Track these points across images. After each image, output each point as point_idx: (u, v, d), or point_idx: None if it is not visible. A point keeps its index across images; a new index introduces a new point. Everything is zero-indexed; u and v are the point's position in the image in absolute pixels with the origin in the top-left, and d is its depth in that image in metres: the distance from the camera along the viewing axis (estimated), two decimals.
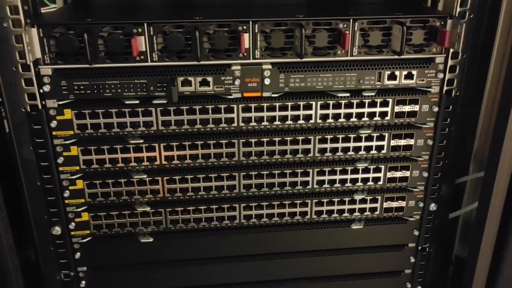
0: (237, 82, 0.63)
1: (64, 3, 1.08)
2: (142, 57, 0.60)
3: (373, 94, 0.66)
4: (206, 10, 0.66)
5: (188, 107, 0.64)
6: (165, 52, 0.61)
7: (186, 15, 0.62)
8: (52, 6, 1.12)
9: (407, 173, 0.72)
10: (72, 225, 0.67)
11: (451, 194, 0.77)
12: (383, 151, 0.70)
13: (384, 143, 0.69)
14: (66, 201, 0.66)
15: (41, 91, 0.60)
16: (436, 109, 0.68)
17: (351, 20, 0.61)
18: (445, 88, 0.67)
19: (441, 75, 0.66)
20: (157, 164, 0.66)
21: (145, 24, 0.59)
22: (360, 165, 0.70)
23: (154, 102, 0.62)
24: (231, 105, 0.64)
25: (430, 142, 0.70)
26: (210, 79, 0.63)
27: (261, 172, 0.69)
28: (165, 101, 0.62)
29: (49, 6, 1.12)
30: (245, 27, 0.60)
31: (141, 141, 0.64)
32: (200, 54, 0.60)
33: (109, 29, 0.59)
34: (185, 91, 0.63)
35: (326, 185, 0.71)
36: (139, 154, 0.65)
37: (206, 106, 0.64)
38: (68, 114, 0.62)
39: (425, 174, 0.72)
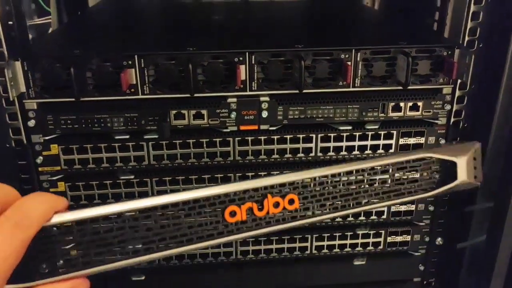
0: (233, 115, 0.60)
1: (58, 12, 1.07)
2: (132, 90, 0.57)
3: (376, 126, 0.62)
4: (201, 39, 0.63)
5: (181, 141, 0.60)
6: (157, 85, 0.57)
7: (179, 45, 0.58)
8: (45, 18, 1.10)
9: (412, 207, 0.68)
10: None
11: (458, 225, 0.74)
12: (386, 185, 0.66)
13: (387, 176, 0.66)
14: None
15: (26, 126, 0.57)
16: (443, 141, 0.64)
17: (353, 50, 0.58)
18: (452, 119, 0.64)
19: (448, 107, 0.62)
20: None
21: (136, 56, 0.56)
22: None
23: (146, 137, 0.59)
24: (227, 139, 0.61)
25: (436, 176, 0.66)
26: (204, 112, 0.59)
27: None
28: (157, 136, 0.59)
29: (43, 18, 1.10)
30: (241, 58, 0.57)
31: (132, 176, 0.61)
32: (194, 86, 0.57)
33: (98, 61, 0.56)
34: (178, 125, 0.59)
35: (327, 221, 0.67)
36: (130, 189, 0.62)
37: (201, 140, 0.61)
38: (55, 149, 0.58)
39: (431, 208, 0.69)
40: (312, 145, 0.63)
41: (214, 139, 0.61)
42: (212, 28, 0.71)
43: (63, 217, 0.35)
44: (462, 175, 0.47)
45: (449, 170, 0.47)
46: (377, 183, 0.45)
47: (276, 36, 0.66)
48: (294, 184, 0.41)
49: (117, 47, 0.60)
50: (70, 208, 0.36)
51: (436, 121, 0.63)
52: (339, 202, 0.43)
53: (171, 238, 0.38)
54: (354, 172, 0.44)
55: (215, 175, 0.63)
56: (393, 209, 0.68)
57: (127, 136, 0.59)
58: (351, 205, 0.44)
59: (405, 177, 0.46)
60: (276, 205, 0.41)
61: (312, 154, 0.63)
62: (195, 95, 0.57)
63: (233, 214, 0.39)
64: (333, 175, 0.43)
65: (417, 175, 0.47)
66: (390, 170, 0.46)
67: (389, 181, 0.46)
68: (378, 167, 0.45)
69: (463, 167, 0.47)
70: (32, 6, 1.15)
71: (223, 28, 0.71)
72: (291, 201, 0.41)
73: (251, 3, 1.00)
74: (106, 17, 0.82)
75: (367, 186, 0.45)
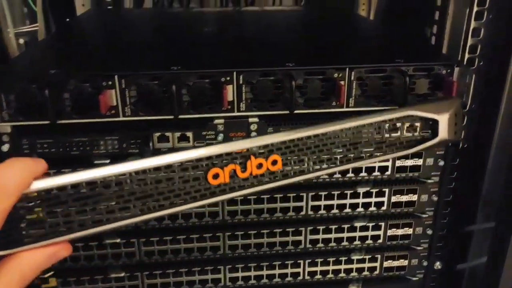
0: (220, 137, 0.57)
1: (45, 20, 1.04)
2: (113, 111, 0.54)
3: (372, 149, 0.59)
4: (186, 56, 0.60)
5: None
6: (139, 106, 0.54)
7: (163, 64, 0.55)
8: (32, 26, 1.07)
9: (410, 231, 0.65)
10: None
11: (457, 246, 0.71)
12: (383, 208, 0.63)
13: (384, 199, 0.63)
14: None
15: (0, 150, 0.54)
16: (441, 162, 0.61)
17: (347, 69, 0.55)
18: None
19: None
20: (133, 226, 0.59)
21: (116, 77, 0.52)
22: (358, 223, 0.64)
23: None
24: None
25: (435, 198, 0.63)
26: (189, 134, 0.56)
27: (248, 232, 0.62)
28: None
29: (32, 25, 1.07)
30: (228, 78, 0.54)
31: (114, 202, 0.58)
32: (178, 107, 0.53)
33: (76, 81, 0.52)
34: (162, 148, 0.56)
35: (320, 244, 0.64)
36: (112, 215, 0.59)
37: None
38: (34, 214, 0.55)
39: (429, 231, 0.65)
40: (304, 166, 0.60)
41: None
42: (199, 43, 0.67)
43: (43, 183, 0.34)
44: (443, 132, 0.48)
45: (430, 127, 0.48)
46: (361, 142, 0.46)
47: (266, 52, 0.63)
48: (277, 145, 0.41)
49: (97, 66, 0.57)
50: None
51: None
52: (322, 162, 0.44)
53: (153, 201, 0.38)
54: (337, 131, 0.44)
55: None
56: (389, 233, 0.65)
57: (108, 161, 0.56)
58: (334, 164, 0.45)
59: (387, 135, 0.47)
60: (259, 166, 0.41)
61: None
62: (180, 116, 0.54)
63: (216, 176, 0.39)
64: (316, 136, 0.43)
65: (398, 133, 0.47)
66: (373, 129, 0.46)
67: (372, 139, 0.46)
68: (362, 126, 0.45)
69: (444, 124, 0.48)
70: (24, 10, 1.13)
71: (210, 44, 0.67)
72: (274, 162, 0.41)
73: (242, 13, 0.97)
74: (89, 31, 0.78)
75: (350, 145, 0.45)
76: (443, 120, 0.48)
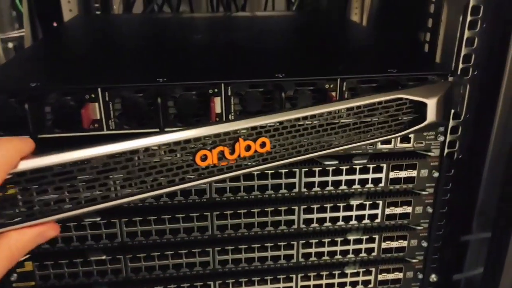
0: None
1: (32, 27, 1.02)
2: (96, 125, 0.52)
3: (365, 161, 0.58)
4: (173, 67, 0.58)
5: None
6: (124, 119, 0.52)
7: (148, 75, 0.53)
8: (19, 31, 1.05)
9: (404, 243, 0.64)
10: None
11: (453, 256, 0.69)
12: (377, 221, 0.62)
13: (378, 211, 0.61)
14: None
15: None
16: (436, 174, 0.60)
17: (339, 79, 0.53)
18: (446, 150, 0.60)
19: (441, 138, 0.58)
20: (118, 241, 0.58)
21: (99, 90, 0.50)
22: (352, 237, 0.62)
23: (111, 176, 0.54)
24: None
25: (430, 210, 0.62)
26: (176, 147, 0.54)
27: (239, 247, 0.61)
28: None
29: (17, 31, 1.05)
30: (216, 90, 0.52)
31: (98, 218, 0.56)
32: (164, 120, 0.51)
33: (57, 95, 0.50)
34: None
35: (313, 258, 0.62)
36: (96, 231, 0.57)
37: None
38: (11, 191, 0.53)
39: (425, 244, 0.64)
40: (296, 180, 0.58)
41: None
42: (186, 53, 0.65)
43: (30, 163, 0.34)
44: (431, 116, 0.47)
45: (419, 110, 0.48)
46: (350, 124, 0.45)
47: (256, 62, 0.61)
48: (266, 127, 0.41)
49: (80, 78, 0.55)
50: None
51: (428, 153, 0.59)
52: (312, 144, 0.44)
53: (141, 183, 0.38)
54: (327, 114, 0.44)
55: (190, 214, 0.58)
56: (384, 246, 0.63)
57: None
58: (323, 147, 0.45)
59: (376, 118, 0.46)
60: (248, 148, 0.41)
61: (296, 190, 0.59)
62: (166, 129, 0.52)
63: (204, 158, 0.39)
64: (305, 118, 0.43)
65: (387, 116, 0.46)
66: (363, 112, 0.45)
67: (361, 122, 0.46)
68: (351, 108, 0.45)
69: (432, 108, 0.47)
70: (13, 14, 1.10)
71: (198, 53, 0.66)
72: (263, 144, 0.41)
73: (232, 18, 0.95)
74: (74, 39, 0.76)
75: (339, 128, 0.45)
76: (432, 104, 0.47)
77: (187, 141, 0.39)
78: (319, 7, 1.18)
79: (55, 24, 1.03)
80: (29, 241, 0.35)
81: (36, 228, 0.35)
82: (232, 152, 0.40)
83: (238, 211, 0.58)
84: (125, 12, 1.11)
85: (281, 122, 0.42)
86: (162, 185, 0.39)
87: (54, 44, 0.74)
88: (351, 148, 0.47)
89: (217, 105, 0.52)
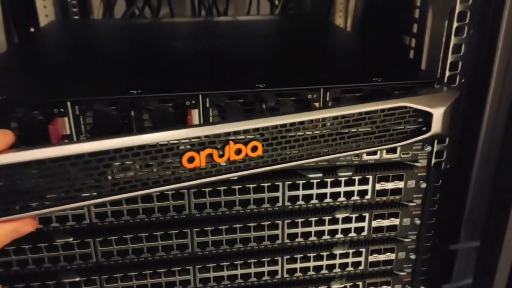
0: None
1: (6, 32, 0.98)
2: (66, 141, 0.49)
3: (350, 173, 0.55)
4: (148, 77, 0.55)
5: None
6: (96, 134, 0.49)
7: (122, 86, 0.50)
8: None
9: (392, 256, 0.62)
10: None
11: (442, 267, 0.68)
12: (363, 234, 0.60)
13: (365, 224, 0.59)
14: None
15: None
16: (424, 185, 0.58)
17: (322, 89, 0.51)
18: (433, 160, 0.58)
19: (428, 148, 0.56)
20: (93, 261, 0.55)
21: (69, 103, 0.47)
22: (338, 251, 0.60)
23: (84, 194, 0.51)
24: (181, 191, 0.53)
25: (417, 221, 0.60)
26: (153, 162, 0.51)
27: (220, 264, 0.58)
28: None
29: None
30: (193, 102, 0.49)
31: (71, 238, 0.53)
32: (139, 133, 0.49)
33: (24, 109, 0.47)
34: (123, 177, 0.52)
35: (298, 274, 0.60)
36: (69, 251, 0.54)
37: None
38: None
39: (413, 256, 0.62)
40: (279, 194, 0.56)
41: (165, 192, 0.53)
42: (162, 62, 0.63)
43: (7, 158, 0.33)
44: (437, 126, 0.45)
45: (423, 120, 0.46)
46: (348, 131, 0.43)
47: (236, 71, 0.59)
48: (259, 130, 0.40)
49: (49, 90, 0.52)
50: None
51: (415, 164, 0.57)
52: (306, 150, 0.42)
53: (125, 183, 0.37)
54: (324, 119, 0.42)
55: (169, 232, 0.55)
56: (371, 259, 0.61)
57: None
58: (318, 154, 0.43)
59: (377, 126, 0.44)
60: (238, 152, 0.39)
61: (279, 204, 0.56)
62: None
63: (191, 160, 0.38)
64: (301, 123, 0.41)
65: (390, 124, 0.45)
66: (363, 119, 0.43)
67: (360, 129, 0.44)
68: (351, 115, 0.43)
69: (439, 118, 0.45)
70: None
71: (175, 62, 0.63)
72: (254, 148, 0.40)
73: (213, 23, 0.93)
74: (46, 47, 0.73)
75: (337, 134, 0.43)
76: (438, 114, 0.45)
77: (174, 143, 0.38)
78: (303, 10, 1.16)
79: (32, 30, 1.00)
80: (5, 235, 0.35)
81: (13, 223, 0.35)
82: (222, 155, 0.39)
83: (219, 227, 0.56)
84: (104, 17, 1.08)
85: (275, 126, 0.40)
86: (148, 185, 0.38)
87: (25, 52, 0.71)
88: (349, 155, 0.45)
89: (195, 117, 0.50)
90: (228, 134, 0.39)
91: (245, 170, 0.41)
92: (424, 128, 0.46)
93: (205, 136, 0.38)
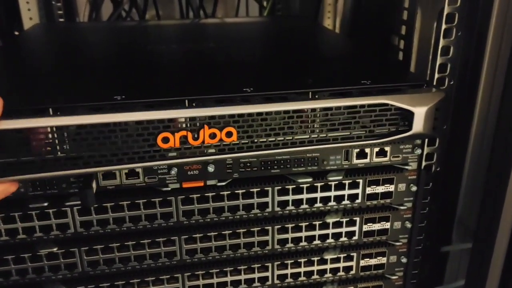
0: (174, 171, 0.51)
1: None
2: (49, 148, 0.47)
3: (340, 177, 0.55)
4: (133, 82, 0.54)
5: (113, 203, 0.51)
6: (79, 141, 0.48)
7: (105, 92, 0.49)
8: None
9: (383, 260, 0.61)
10: None
11: (433, 271, 0.67)
12: (354, 238, 0.59)
13: (356, 228, 0.59)
14: None
15: None
16: (414, 188, 0.57)
17: (310, 93, 0.50)
18: (424, 163, 0.57)
19: (419, 151, 0.55)
20: (79, 271, 0.53)
21: (50, 110, 0.46)
22: (329, 256, 0.59)
23: (68, 203, 0.50)
24: (168, 198, 0.52)
25: (408, 225, 0.59)
26: (139, 169, 0.50)
27: (210, 271, 0.57)
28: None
29: None
30: (179, 107, 0.48)
31: (55, 248, 0.52)
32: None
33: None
34: (108, 185, 0.50)
35: (289, 279, 0.59)
36: (54, 262, 0.52)
37: (136, 201, 0.52)
38: None
39: (404, 260, 0.61)
40: (268, 199, 0.55)
41: (152, 200, 0.52)
42: (148, 66, 0.61)
43: None
44: (418, 126, 0.46)
45: (404, 119, 0.47)
46: (327, 124, 0.46)
47: (222, 75, 0.58)
48: (235, 117, 0.42)
49: (30, 97, 0.50)
50: None
51: (406, 167, 0.56)
52: (281, 139, 0.45)
53: (100, 156, 0.41)
54: (302, 110, 0.44)
55: (156, 239, 0.54)
56: (362, 263, 0.61)
57: (45, 204, 0.49)
58: (294, 143, 0.45)
59: (357, 121, 0.46)
60: (213, 136, 0.42)
61: (269, 209, 0.55)
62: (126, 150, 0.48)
63: (166, 140, 0.41)
64: (278, 112, 0.43)
65: (370, 121, 0.46)
66: (342, 113, 0.45)
67: (339, 123, 0.46)
68: (329, 108, 0.45)
69: (420, 118, 0.46)
70: None
71: (160, 66, 0.62)
72: (229, 134, 0.42)
73: (200, 25, 0.91)
74: (28, 51, 0.71)
75: (314, 126, 0.45)
76: (420, 113, 0.46)
77: (150, 121, 0.41)
78: (291, 12, 1.15)
79: (16, 33, 0.98)
80: None
81: (3, 185, 0.40)
82: (196, 138, 0.42)
83: (208, 234, 0.55)
84: (90, 19, 1.06)
85: (251, 114, 0.42)
86: (122, 161, 0.42)
87: (6, 56, 0.69)
88: (325, 147, 0.46)
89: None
90: (203, 118, 0.41)
91: (219, 154, 0.44)
92: (406, 127, 0.47)
93: (180, 119, 0.41)
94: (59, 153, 0.42)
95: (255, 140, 0.44)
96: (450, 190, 0.67)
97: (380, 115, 0.47)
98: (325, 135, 0.47)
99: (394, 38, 0.66)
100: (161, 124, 0.42)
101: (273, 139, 0.45)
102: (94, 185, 0.48)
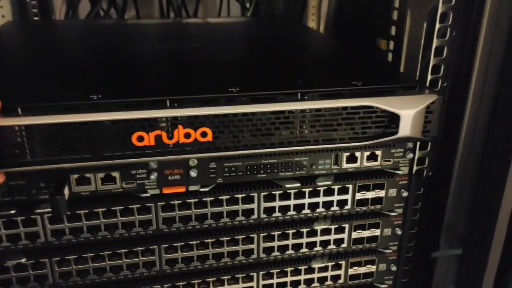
0: (154, 175, 0.48)
1: None
2: (17, 151, 0.44)
3: (329, 182, 0.52)
4: (111, 81, 0.51)
5: (87, 210, 0.48)
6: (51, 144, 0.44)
7: (81, 91, 0.46)
8: None
9: (373, 268, 0.59)
10: None
11: (423, 278, 0.65)
12: (343, 245, 0.57)
13: (344, 236, 0.56)
14: None
15: None
16: (405, 193, 0.55)
17: (299, 94, 0.48)
18: (415, 167, 0.55)
19: (410, 155, 0.53)
20: (50, 283, 0.50)
21: (19, 110, 0.42)
22: (317, 264, 0.57)
23: (38, 211, 0.46)
24: (147, 205, 0.49)
25: (399, 232, 0.57)
26: (116, 174, 0.47)
27: (192, 282, 0.54)
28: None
29: None
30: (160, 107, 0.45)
31: (24, 259, 0.48)
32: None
33: None
34: (82, 191, 0.47)
35: None
36: (22, 273, 0.48)
37: (113, 208, 0.48)
38: None
39: (394, 268, 0.59)
40: (254, 205, 0.52)
41: (130, 206, 0.49)
42: (127, 65, 0.58)
43: None
44: (405, 129, 0.45)
45: (391, 121, 0.46)
46: (310, 126, 0.45)
47: (207, 75, 0.55)
48: (210, 118, 0.42)
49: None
50: None
51: (397, 171, 0.54)
52: (260, 140, 0.44)
53: (76, 152, 0.42)
54: (282, 112, 0.43)
55: (134, 249, 0.50)
56: (351, 272, 0.58)
57: (13, 211, 0.46)
58: (273, 144, 0.45)
59: (339, 123, 0.45)
60: (187, 135, 0.42)
61: (255, 216, 0.53)
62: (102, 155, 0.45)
63: (140, 139, 0.42)
64: (254, 114, 0.43)
65: (353, 123, 0.45)
66: (324, 114, 0.45)
67: (321, 125, 0.45)
68: (312, 110, 0.44)
69: (407, 121, 0.45)
70: None
71: (140, 66, 0.58)
72: (204, 134, 0.42)
73: (182, 25, 0.88)
74: (1, 49, 0.67)
75: (293, 128, 0.45)
76: (407, 116, 0.45)
77: (125, 120, 0.41)
78: (275, 12, 1.13)
79: None
80: None
81: None
82: (171, 137, 0.42)
83: (190, 243, 0.52)
84: (67, 17, 1.02)
85: (226, 115, 0.42)
86: (99, 156, 0.42)
87: None
88: (307, 150, 0.46)
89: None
90: (176, 118, 0.41)
91: (195, 153, 0.44)
92: (394, 130, 0.46)
93: (154, 118, 0.41)
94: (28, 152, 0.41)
95: (232, 141, 0.44)
96: (439, 195, 0.65)
97: (366, 117, 0.46)
98: (308, 136, 0.46)
99: (381, 39, 0.64)
100: (136, 123, 0.42)
101: (250, 140, 0.45)
102: (66, 191, 0.44)
